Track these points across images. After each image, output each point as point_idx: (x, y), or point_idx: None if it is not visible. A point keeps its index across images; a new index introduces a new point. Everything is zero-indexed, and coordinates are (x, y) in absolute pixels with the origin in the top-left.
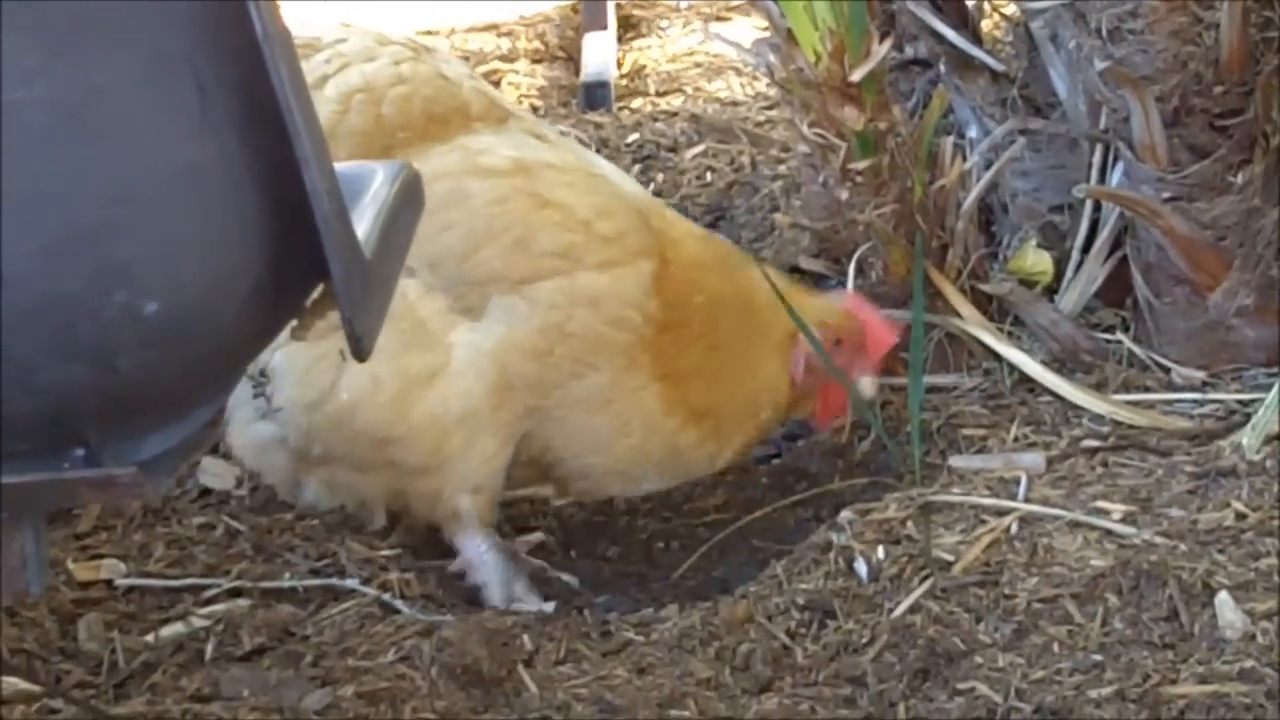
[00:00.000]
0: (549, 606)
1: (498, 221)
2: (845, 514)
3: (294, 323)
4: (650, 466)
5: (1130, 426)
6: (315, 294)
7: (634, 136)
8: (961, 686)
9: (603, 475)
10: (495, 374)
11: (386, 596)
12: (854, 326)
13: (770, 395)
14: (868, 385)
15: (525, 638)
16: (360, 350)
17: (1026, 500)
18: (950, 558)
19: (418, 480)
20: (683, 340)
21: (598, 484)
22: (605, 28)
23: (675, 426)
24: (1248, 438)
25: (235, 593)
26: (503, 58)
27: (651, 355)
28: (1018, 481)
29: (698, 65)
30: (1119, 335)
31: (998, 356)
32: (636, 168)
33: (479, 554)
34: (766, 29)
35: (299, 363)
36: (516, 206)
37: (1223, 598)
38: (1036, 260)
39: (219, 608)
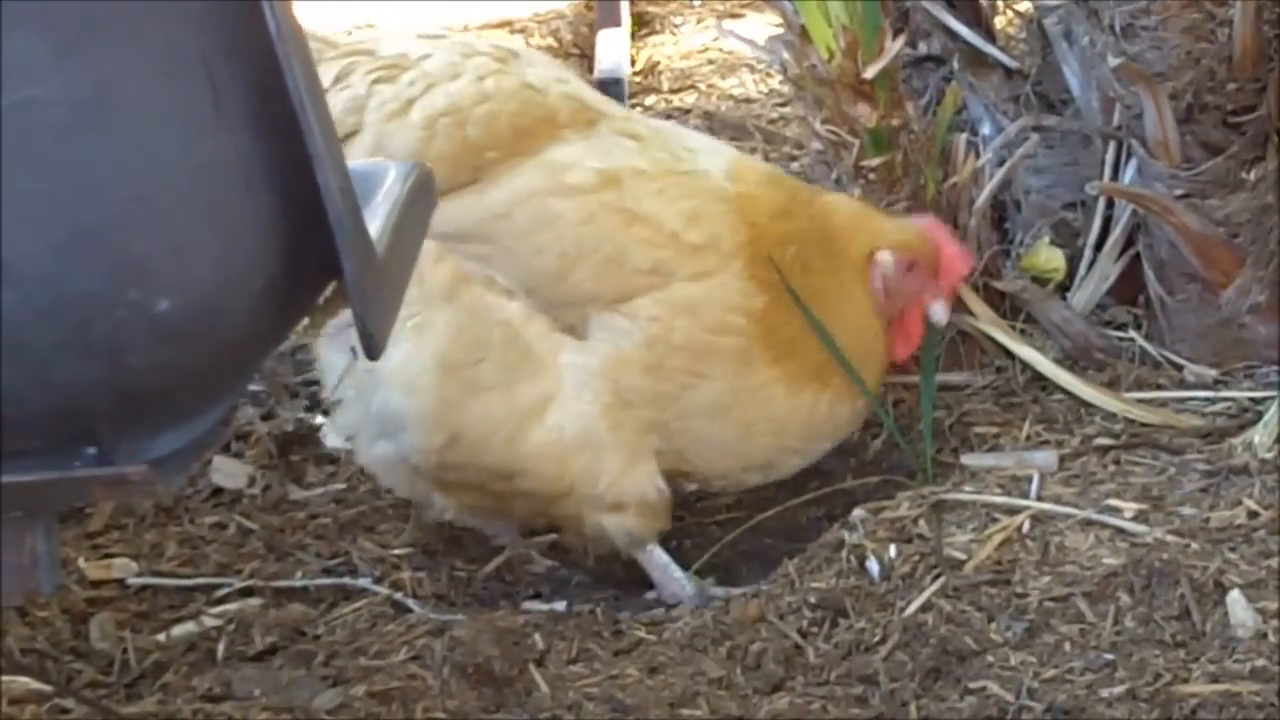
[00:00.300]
0: (560, 605)
1: (587, 242)
2: (857, 512)
3: (306, 321)
4: (788, 451)
5: (1142, 424)
6: (328, 292)
7: None
8: (973, 685)
9: (741, 473)
10: (609, 393)
11: (398, 596)
12: (929, 250)
13: (869, 322)
14: (939, 311)
15: (537, 637)
16: (372, 348)
17: (1039, 498)
18: (962, 556)
19: (553, 506)
20: (784, 303)
21: (738, 480)
22: (619, 24)
23: (807, 402)
24: (1259, 436)
25: (247, 592)
26: None
27: (762, 342)
28: (1030, 480)
29: (711, 62)
30: (1131, 333)
31: (1010, 354)
32: None
33: (650, 566)
34: (780, 26)
35: (419, 408)
36: (605, 224)
37: (1234, 596)
38: (1049, 257)
39: (231, 607)
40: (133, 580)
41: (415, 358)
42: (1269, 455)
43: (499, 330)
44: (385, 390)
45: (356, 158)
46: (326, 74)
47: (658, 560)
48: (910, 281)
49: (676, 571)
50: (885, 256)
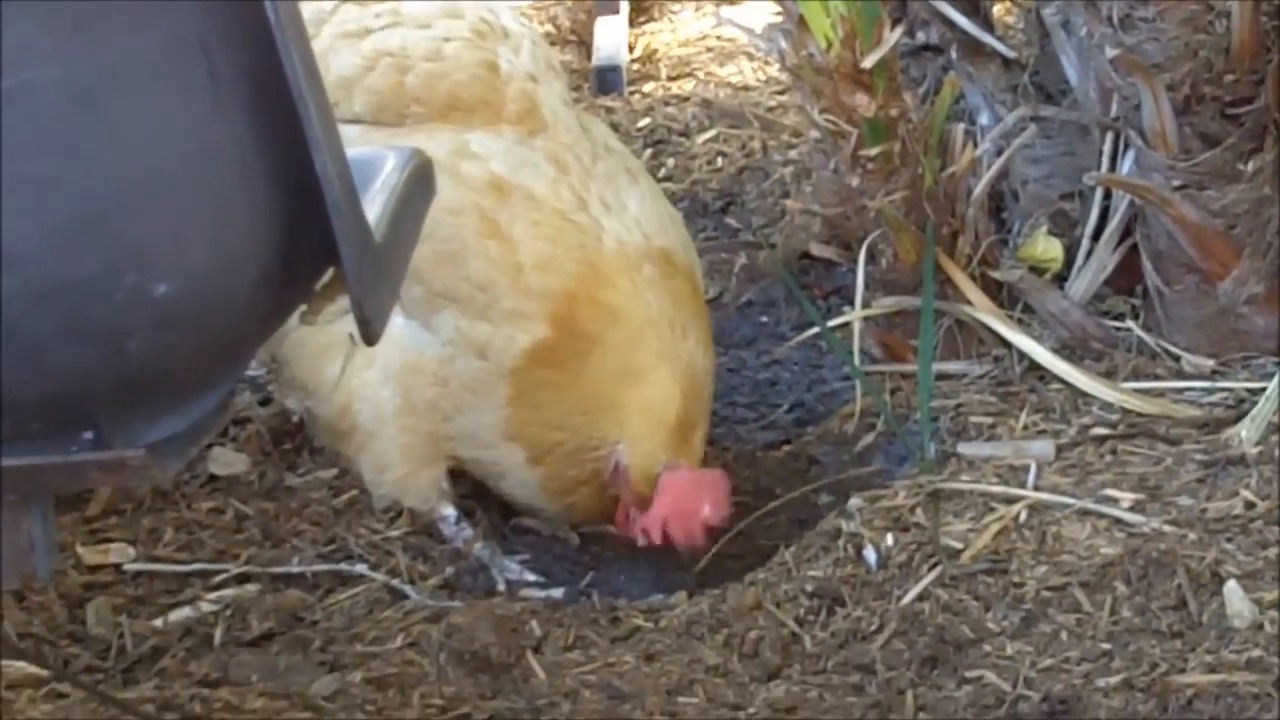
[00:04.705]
0: (557, 592)
1: (443, 228)
2: (854, 501)
3: (303, 306)
4: (534, 504)
5: (1139, 414)
6: (325, 278)
7: (645, 121)
8: (970, 674)
9: (509, 499)
10: (402, 397)
11: (395, 582)
12: (646, 487)
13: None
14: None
15: (534, 624)
16: (370, 334)
17: (1035, 488)
18: (959, 545)
19: (338, 441)
20: (550, 386)
21: (512, 503)
22: (617, 12)
23: (539, 477)
24: (1246, 429)
25: (244, 578)
26: None
27: (517, 411)
28: (1027, 469)
29: (709, 50)
30: (1129, 323)
31: (1007, 344)
32: (648, 152)
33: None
34: (778, 14)
35: None
36: (468, 223)
37: (1231, 586)
38: (1047, 247)
39: (227, 592)
40: (129, 565)
41: None
42: (1256, 449)
43: None
44: None
45: None
46: None
47: (446, 517)
48: (617, 485)
49: (465, 530)
50: (620, 451)
